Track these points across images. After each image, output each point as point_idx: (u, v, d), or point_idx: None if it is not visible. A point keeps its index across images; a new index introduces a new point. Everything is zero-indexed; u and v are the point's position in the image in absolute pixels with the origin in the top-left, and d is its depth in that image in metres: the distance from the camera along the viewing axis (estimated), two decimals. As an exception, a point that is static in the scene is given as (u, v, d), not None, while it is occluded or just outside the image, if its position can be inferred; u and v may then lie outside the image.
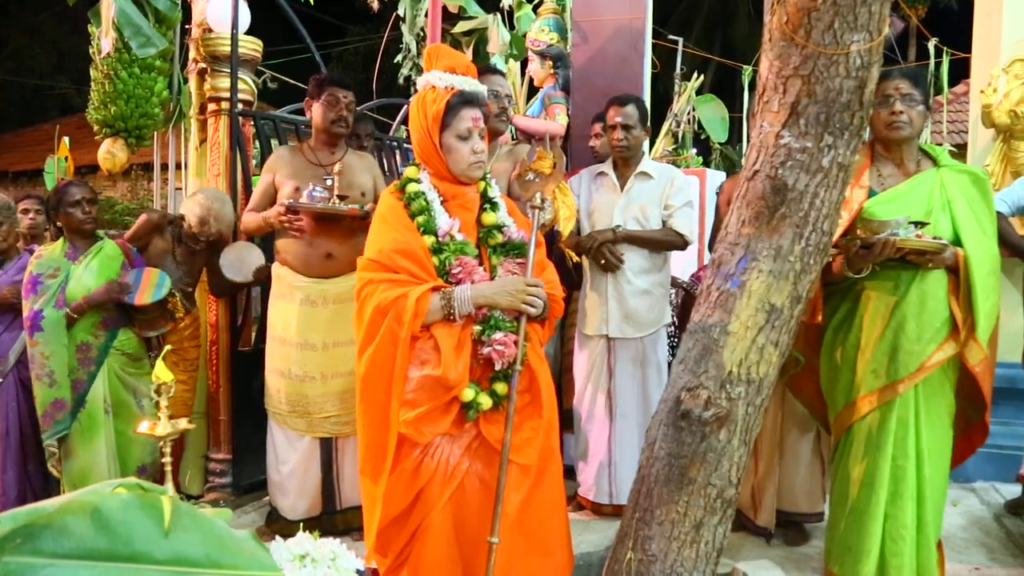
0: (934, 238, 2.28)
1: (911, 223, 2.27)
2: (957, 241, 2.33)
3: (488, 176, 2.12)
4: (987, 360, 2.37)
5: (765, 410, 1.92)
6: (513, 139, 3.77)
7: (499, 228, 2.07)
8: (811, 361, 2.62)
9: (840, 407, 2.49)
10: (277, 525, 3.01)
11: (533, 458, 1.96)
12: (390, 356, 1.91)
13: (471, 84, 2.04)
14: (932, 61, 5.89)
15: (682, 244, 3.22)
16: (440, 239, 1.99)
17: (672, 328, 3.56)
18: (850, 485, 2.44)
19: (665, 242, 3.20)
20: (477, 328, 1.94)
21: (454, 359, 1.89)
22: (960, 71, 5.60)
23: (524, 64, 4.52)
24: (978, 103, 3.99)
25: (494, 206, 2.09)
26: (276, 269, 3.00)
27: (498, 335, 1.93)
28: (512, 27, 5.21)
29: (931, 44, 6.00)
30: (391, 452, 1.92)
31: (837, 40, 1.76)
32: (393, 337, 1.90)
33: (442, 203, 2.03)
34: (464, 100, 1.99)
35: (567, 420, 3.72)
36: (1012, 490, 3.53)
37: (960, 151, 2.75)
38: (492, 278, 2.00)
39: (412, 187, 2.04)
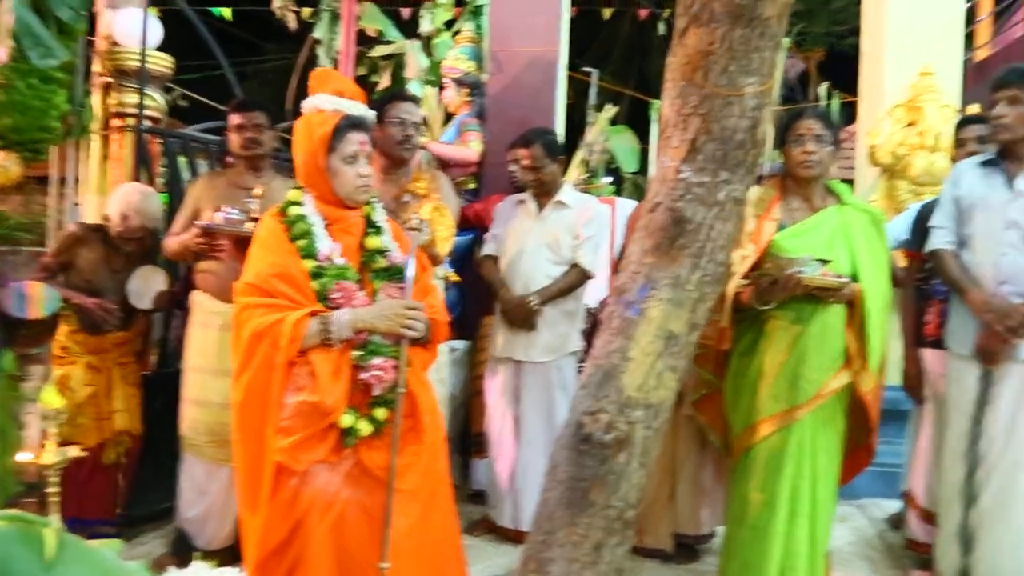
0: (836, 275, 2.45)
1: (816, 260, 2.43)
2: (855, 275, 2.50)
3: (374, 201, 2.13)
4: (877, 388, 2.56)
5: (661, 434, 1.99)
6: (429, 163, 3.81)
7: (382, 252, 2.08)
8: (718, 384, 2.74)
9: (740, 430, 2.62)
10: (184, 555, 2.90)
11: (415, 483, 1.95)
12: (266, 382, 1.89)
13: (359, 109, 2.07)
14: (824, 103, 6.28)
15: (585, 279, 3.31)
16: (320, 263, 1.98)
17: (581, 353, 3.64)
18: (748, 504, 2.55)
19: (576, 284, 3.29)
20: (356, 353, 1.93)
21: (331, 384, 1.88)
22: (853, 112, 5.97)
23: (441, 90, 4.57)
24: (865, 143, 4.28)
25: (378, 230, 2.10)
26: (195, 297, 2.92)
27: (377, 360, 1.93)
28: (430, 53, 5.27)
29: (823, 87, 6.40)
30: (267, 482, 1.88)
31: (732, 82, 1.87)
32: (269, 363, 1.88)
33: (325, 227, 2.03)
34: (351, 124, 2.01)
35: (477, 444, 3.75)
36: (894, 505, 3.75)
37: (848, 185, 2.97)
38: (374, 303, 2.00)
39: (294, 210, 2.03)
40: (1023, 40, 8.07)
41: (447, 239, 2.87)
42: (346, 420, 1.90)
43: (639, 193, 8.41)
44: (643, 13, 8.92)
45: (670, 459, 3.14)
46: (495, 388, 3.36)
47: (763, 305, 2.48)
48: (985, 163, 2.64)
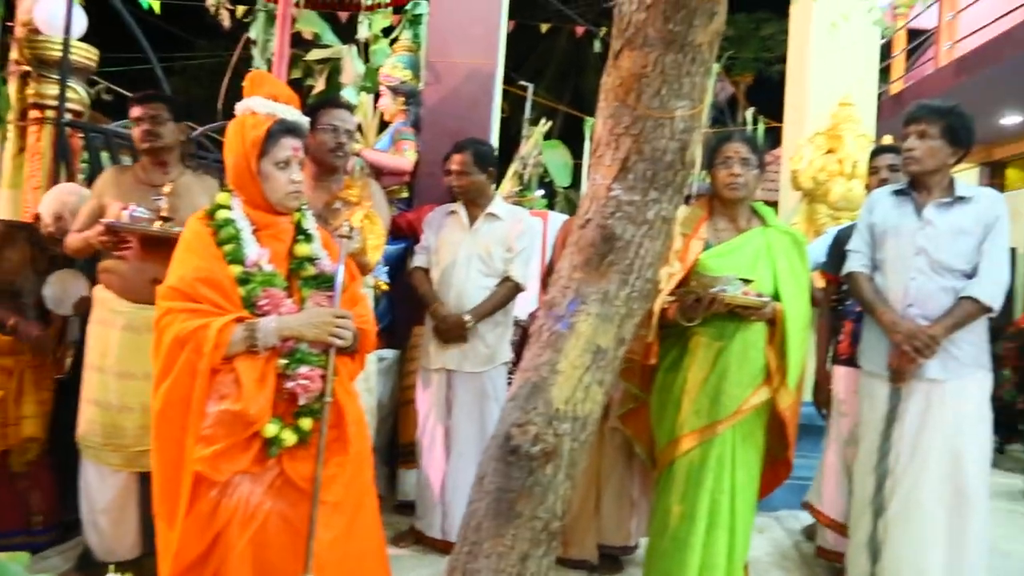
0: (758, 295, 2.53)
1: (739, 279, 2.52)
2: (776, 295, 2.59)
3: (304, 207, 2.10)
4: (795, 404, 2.65)
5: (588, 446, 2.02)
6: (362, 170, 3.77)
7: (311, 260, 2.05)
8: (644, 399, 2.80)
9: (664, 443, 2.68)
10: (91, 570, 2.78)
11: (339, 494, 1.92)
12: (187, 389, 1.84)
13: (293, 114, 2.04)
14: (750, 127, 6.51)
15: (518, 292, 3.34)
16: (247, 269, 1.94)
17: (512, 365, 3.67)
18: (670, 517, 2.61)
19: (509, 298, 3.31)
20: (282, 361, 1.90)
21: (256, 393, 1.84)
22: (778, 137, 6.19)
23: (377, 97, 4.54)
24: (788, 168, 4.45)
25: (308, 238, 2.07)
26: (98, 292, 2.81)
27: (304, 369, 1.91)
28: (367, 60, 5.23)
29: (749, 112, 6.64)
30: (186, 493, 1.83)
31: (664, 105, 1.92)
32: (192, 369, 1.83)
33: (253, 232, 1.99)
34: (285, 129, 1.99)
35: (406, 454, 3.73)
36: (809, 517, 3.89)
37: (772, 208, 3.10)
38: (302, 311, 1.97)
39: (222, 214, 1.99)
40: (933, 76, 8.55)
41: (378, 248, 2.86)
42: (270, 429, 1.86)
43: (571, 207, 8.52)
44: (580, 30, 9.06)
45: (596, 471, 3.19)
46: (426, 398, 3.35)
47: (688, 322, 2.56)
48: (897, 192, 2.79)
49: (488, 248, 3.28)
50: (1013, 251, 9.14)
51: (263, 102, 2.00)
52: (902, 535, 2.60)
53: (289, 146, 1.99)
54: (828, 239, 3.44)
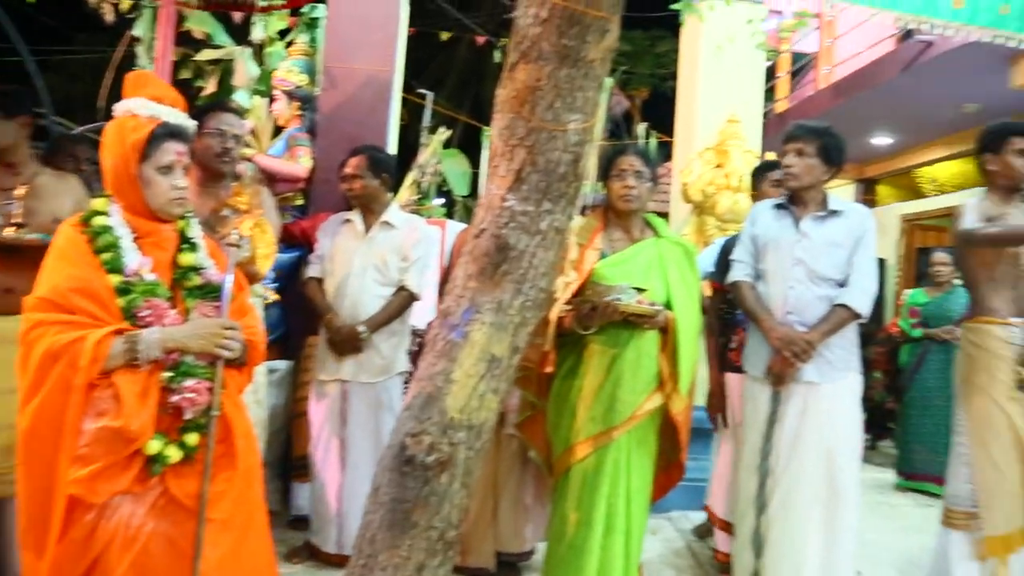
0: (651, 303, 2.61)
1: (633, 288, 2.59)
2: (668, 304, 2.68)
3: (189, 215, 2.03)
4: (687, 409, 2.74)
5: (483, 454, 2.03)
6: (253, 176, 3.66)
7: (197, 269, 1.97)
8: (541, 406, 2.84)
9: (561, 450, 2.72)
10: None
11: (227, 511, 1.85)
12: (61, 406, 1.72)
13: (177, 117, 1.97)
14: (643, 141, 6.72)
15: (413, 301, 3.31)
16: (128, 279, 1.84)
17: (409, 375, 3.64)
18: (568, 523, 2.65)
19: (404, 307, 3.28)
20: (166, 375, 1.82)
21: (138, 408, 1.75)
22: (670, 151, 6.40)
23: (272, 101, 4.42)
24: (678, 181, 4.62)
25: (193, 246, 1.99)
26: None
27: (190, 382, 1.83)
28: (261, 62, 5.08)
29: (641, 127, 6.87)
30: (58, 518, 1.71)
31: (557, 118, 1.96)
32: (66, 385, 1.72)
33: (134, 240, 1.90)
34: (169, 132, 1.91)
35: (299, 467, 3.63)
36: (700, 516, 4.04)
37: (664, 219, 3.22)
38: (187, 322, 1.90)
39: (99, 220, 1.89)
40: (813, 97, 9.08)
41: (268, 257, 2.78)
42: (153, 446, 1.77)
43: (470, 216, 8.54)
44: (480, 40, 9.12)
45: (492, 478, 3.20)
46: (320, 410, 3.28)
47: (584, 330, 2.61)
48: (778, 206, 2.95)
49: (383, 257, 3.24)
50: (882, 262, 9.81)
51: (145, 103, 1.91)
52: (782, 531, 2.74)
53: (172, 150, 1.90)
54: (716, 249, 3.59)
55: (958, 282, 6.33)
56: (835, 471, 2.71)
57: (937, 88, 7.21)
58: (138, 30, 4.80)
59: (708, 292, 3.53)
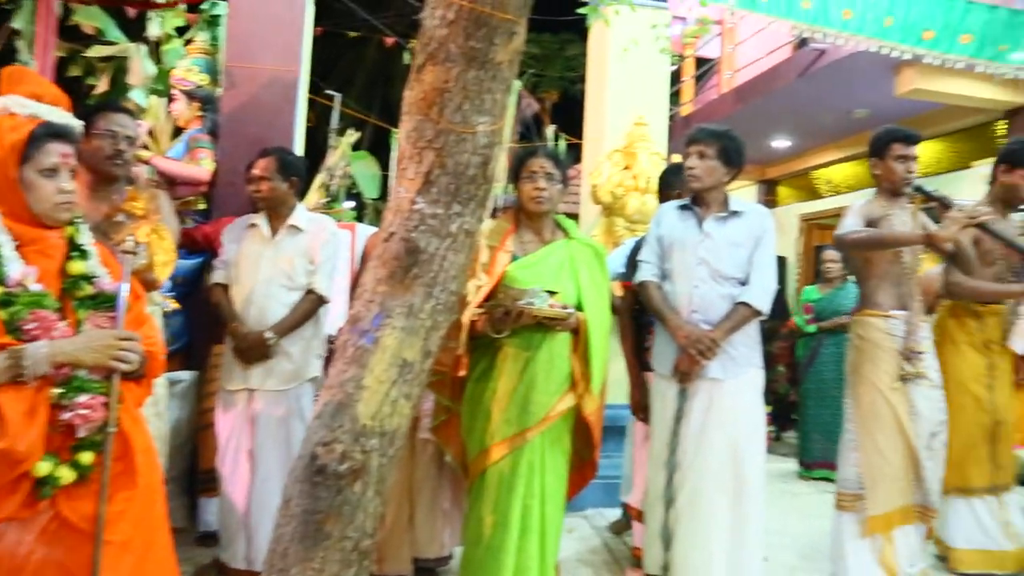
0: (563, 306, 2.63)
1: (545, 292, 2.60)
2: (579, 305, 2.71)
3: (79, 220, 1.91)
4: (599, 409, 2.78)
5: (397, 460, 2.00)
6: (150, 179, 3.50)
7: (88, 279, 1.86)
8: (455, 410, 2.82)
9: (476, 453, 2.71)
10: None
11: (126, 533, 1.76)
12: None
13: (60, 116, 1.86)
14: (552, 143, 6.80)
15: (321, 305, 3.23)
16: (10, 290, 1.72)
17: (320, 381, 3.57)
18: (484, 525, 2.65)
19: (312, 311, 3.19)
20: (56, 391, 1.71)
21: (25, 428, 1.63)
22: (579, 153, 6.49)
23: (170, 101, 4.24)
24: (588, 183, 4.69)
25: (83, 254, 1.88)
26: None
27: (83, 397, 1.73)
28: (158, 60, 4.88)
29: (550, 129, 6.96)
30: None
31: (465, 120, 1.95)
32: None
33: (16, 248, 1.77)
34: (51, 132, 1.79)
35: (206, 481, 3.50)
36: (615, 513, 4.11)
37: (574, 221, 3.27)
38: (78, 334, 1.79)
39: None
40: (717, 101, 9.40)
41: (167, 264, 2.66)
42: (43, 468, 1.66)
43: (380, 219, 8.44)
44: (389, 41, 9.03)
45: (408, 484, 3.17)
46: (227, 420, 3.16)
47: (496, 334, 2.62)
48: (682, 207, 3.03)
49: (291, 261, 3.15)
50: (783, 260, 10.25)
51: (23, 102, 1.79)
52: (690, 524, 2.82)
53: (56, 152, 1.79)
54: (626, 250, 3.66)
55: (851, 278, 6.68)
56: (740, 464, 2.81)
57: (830, 94, 7.59)
58: (17, 22, 4.52)
59: (618, 292, 3.59)
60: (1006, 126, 7.48)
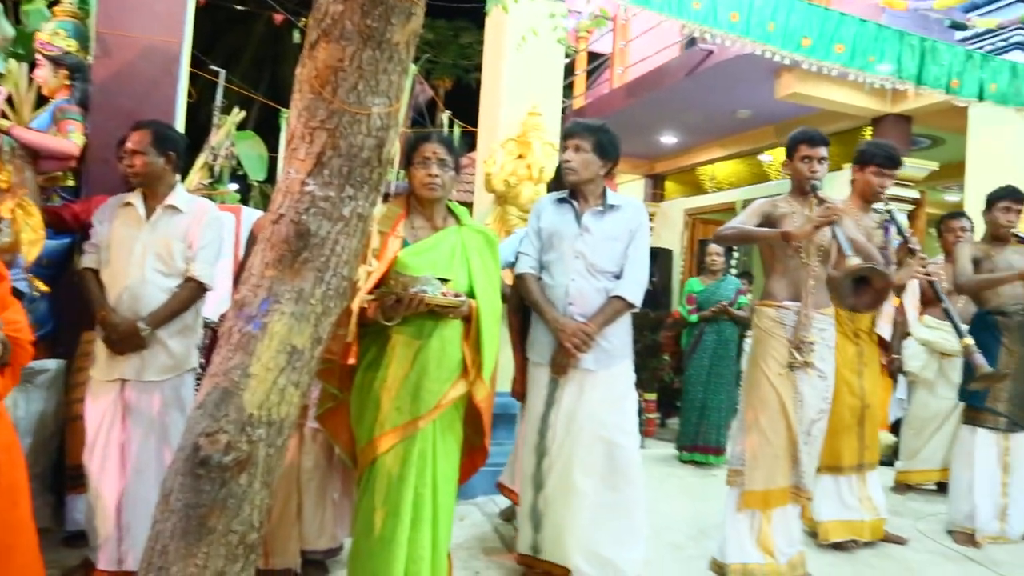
0: (455, 294, 2.61)
1: (437, 279, 2.57)
2: (471, 292, 2.70)
3: None
4: (490, 396, 2.78)
5: (285, 450, 1.94)
6: (12, 151, 3.22)
7: None
8: (344, 398, 2.75)
9: (366, 442, 2.65)
10: None
11: None
12: None
13: None
14: (445, 129, 6.77)
15: (202, 292, 3.07)
16: None
17: (200, 371, 3.40)
18: (375, 516, 2.60)
19: (192, 299, 3.03)
20: None
21: None
22: (473, 141, 6.48)
23: (33, 67, 3.91)
24: (482, 171, 4.68)
25: None
26: None
27: None
28: (18, 21, 4.49)
29: (445, 116, 6.91)
30: None
31: (360, 101, 1.90)
32: None
33: None
34: None
35: (75, 478, 3.28)
36: (506, 500, 4.14)
37: (467, 208, 3.24)
38: None
39: None
40: (608, 96, 9.60)
41: (35, 243, 2.46)
42: None
43: (266, 202, 8.15)
44: (278, 18, 8.70)
45: (296, 474, 3.07)
46: (97, 412, 2.95)
47: (387, 321, 2.57)
48: (560, 200, 3.08)
49: (167, 244, 2.97)
50: (669, 252, 10.62)
51: None
52: (557, 507, 2.93)
53: None
54: (517, 239, 3.67)
55: (733, 271, 7.02)
56: (614, 451, 2.91)
57: (715, 94, 7.90)
58: None
59: (508, 281, 3.61)
60: (871, 132, 8.03)
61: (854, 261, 2.90)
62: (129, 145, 2.99)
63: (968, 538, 4.03)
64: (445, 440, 2.70)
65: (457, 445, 2.77)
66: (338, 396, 2.76)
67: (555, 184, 3.72)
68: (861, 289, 2.98)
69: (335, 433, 2.86)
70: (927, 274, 3.74)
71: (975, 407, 4.10)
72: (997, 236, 4.15)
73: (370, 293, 2.58)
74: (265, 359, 1.78)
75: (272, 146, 6.51)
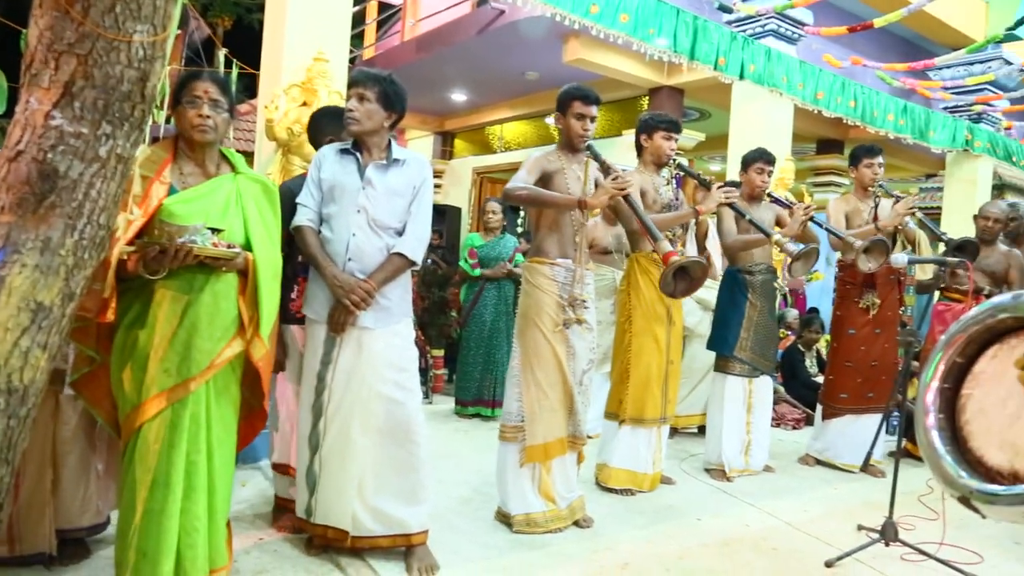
0: (229, 245, 2.42)
1: (208, 228, 2.36)
2: (247, 244, 2.51)
3: None
4: (268, 355, 2.63)
5: (33, 422, 1.71)
6: None
7: None
8: (103, 361, 2.48)
9: (129, 409, 2.42)
10: None
11: None
12: None
13: None
14: (222, 71, 6.27)
15: None
16: None
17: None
18: (141, 487, 2.39)
19: None
20: None
21: None
22: (254, 87, 6.07)
23: None
24: (263, 117, 4.40)
25: None
26: None
27: None
28: None
29: (222, 55, 6.39)
30: None
31: (119, 25, 1.68)
32: None
33: None
34: None
35: None
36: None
37: (248, 159, 2.98)
38: None
39: None
40: (398, 48, 9.41)
41: None
42: None
43: (3, 137, 7.12)
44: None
45: (51, 448, 2.74)
46: None
47: (151, 274, 2.33)
48: (343, 151, 2.97)
49: None
50: (458, 210, 10.75)
51: None
52: (334, 467, 2.88)
53: None
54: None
55: (520, 229, 7.23)
56: (394, 408, 2.88)
57: (505, 54, 8.02)
58: None
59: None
60: (648, 102, 8.59)
61: (666, 244, 3.30)
62: None
63: (721, 474, 4.53)
64: (220, 403, 2.52)
65: (234, 408, 2.60)
66: (96, 359, 2.48)
67: (313, 137, 3.48)
68: (680, 277, 3.33)
69: (94, 400, 2.57)
70: (727, 196, 3.96)
71: (724, 356, 4.59)
72: (752, 196, 4.61)
73: (130, 244, 2.32)
74: (3, 317, 1.55)
75: (12, 76, 5.66)
